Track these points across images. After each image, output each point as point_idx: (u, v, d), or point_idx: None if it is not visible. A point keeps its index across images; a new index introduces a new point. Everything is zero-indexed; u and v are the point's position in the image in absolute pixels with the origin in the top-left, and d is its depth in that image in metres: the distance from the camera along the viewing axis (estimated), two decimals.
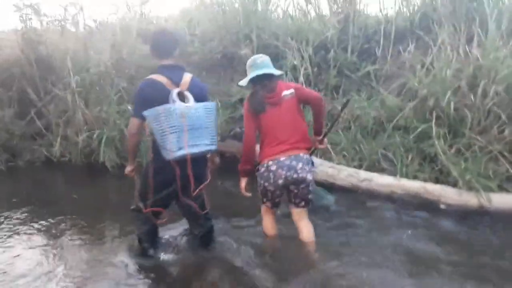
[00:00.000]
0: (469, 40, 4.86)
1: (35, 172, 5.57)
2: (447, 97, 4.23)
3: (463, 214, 3.57)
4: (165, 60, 2.72)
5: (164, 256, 2.99)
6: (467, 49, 4.73)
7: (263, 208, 3.09)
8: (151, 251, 2.98)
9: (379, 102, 5.03)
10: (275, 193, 2.88)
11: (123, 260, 2.99)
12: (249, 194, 2.96)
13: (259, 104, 2.83)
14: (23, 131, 6.01)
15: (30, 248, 3.27)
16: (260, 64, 2.84)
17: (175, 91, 2.58)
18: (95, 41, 6.22)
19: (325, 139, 3.14)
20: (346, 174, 4.33)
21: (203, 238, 3.04)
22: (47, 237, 3.48)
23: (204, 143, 2.63)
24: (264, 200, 2.98)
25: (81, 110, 5.54)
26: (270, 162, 2.81)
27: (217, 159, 3.08)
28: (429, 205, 3.76)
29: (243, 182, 2.97)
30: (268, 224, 3.13)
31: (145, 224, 2.90)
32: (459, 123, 4.16)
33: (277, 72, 2.87)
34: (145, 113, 2.54)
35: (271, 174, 2.80)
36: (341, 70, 5.73)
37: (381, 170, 4.44)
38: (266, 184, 2.85)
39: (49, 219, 3.82)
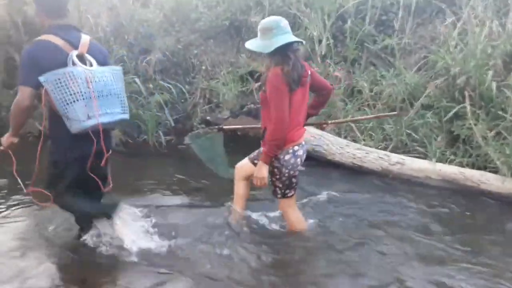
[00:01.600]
0: (505, 14, 4.59)
1: (28, 148, 5.07)
2: (480, 75, 4.00)
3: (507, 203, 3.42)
4: (57, 20, 2.34)
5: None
6: (499, 23, 4.47)
7: (286, 202, 2.74)
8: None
9: (397, 78, 4.75)
10: (297, 177, 2.65)
11: None
12: (268, 185, 2.60)
13: (298, 79, 2.43)
14: (11, 101, 5.42)
15: None
16: (285, 28, 2.45)
17: (74, 53, 2.25)
18: (90, 3, 5.61)
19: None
20: (375, 157, 4.09)
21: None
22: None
23: (117, 111, 2.37)
24: (288, 191, 2.66)
25: None
26: (296, 147, 2.57)
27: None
28: (467, 192, 3.59)
29: (266, 170, 2.53)
30: (297, 215, 2.83)
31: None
32: (499, 104, 3.93)
33: (302, 41, 2.57)
34: (41, 78, 2.17)
35: (298, 160, 2.59)
36: (359, 42, 5.40)
37: (408, 153, 4.25)
38: (292, 172, 2.58)
39: None
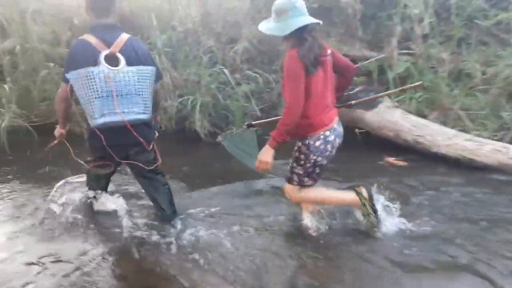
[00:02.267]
0: None
1: None
2: None
3: None
4: (101, 19, 2.48)
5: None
6: None
7: (298, 189, 2.57)
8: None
9: None
10: (324, 166, 2.52)
11: None
12: (271, 171, 2.51)
13: (316, 61, 2.29)
14: None
15: None
16: (301, 9, 2.33)
17: (103, 53, 2.37)
18: None
19: None
20: (490, 149, 3.56)
21: (157, 202, 2.87)
22: None
23: (133, 111, 2.44)
24: (307, 179, 2.52)
25: (169, 72, 5.11)
26: (328, 132, 2.41)
27: (159, 118, 3.10)
28: None
29: (272, 154, 2.40)
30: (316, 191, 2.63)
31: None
32: None
33: (318, 21, 2.37)
34: (67, 75, 2.37)
35: (329, 146, 2.42)
36: (467, 19, 4.76)
37: None
38: (320, 158, 2.43)
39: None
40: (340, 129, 2.52)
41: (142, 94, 2.46)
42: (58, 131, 2.83)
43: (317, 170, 2.49)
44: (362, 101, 3.02)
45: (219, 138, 2.96)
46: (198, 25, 5.31)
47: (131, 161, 2.70)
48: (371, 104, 4.32)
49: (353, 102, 2.82)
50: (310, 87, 2.31)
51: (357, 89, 4.54)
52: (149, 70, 2.49)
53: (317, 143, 2.39)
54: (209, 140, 4.80)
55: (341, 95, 2.74)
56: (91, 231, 2.84)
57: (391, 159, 3.89)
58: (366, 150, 4.22)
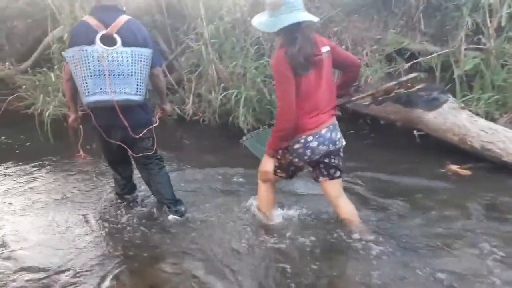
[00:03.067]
0: None
1: (168, 130, 5.19)
2: None
3: None
4: (104, 1, 2.50)
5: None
6: None
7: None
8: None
9: None
10: (301, 168, 2.46)
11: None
12: (273, 180, 2.49)
13: (306, 62, 2.12)
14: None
15: None
16: (296, 3, 2.11)
17: (100, 33, 2.38)
18: None
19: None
20: None
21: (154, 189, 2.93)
22: None
23: (125, 91, 2.42)
24: (280, 171, 2.47)
25: (214, 64, 4.91)
26: (310, 137, 2.25)
27: (167, 107, 2.92)
28: None
29: (271, 164, 2.32)
30: (269, 195, 2.65)
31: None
32: None
33: (315, 18, 2.16)
34: (65, 53, 2.42)
35: (308, 151, 2.29)
36: None
37: None
38: (296, 160, 2.35)
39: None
40: (331, 135, 2.31)
41: (136, 75, 2.44)
42: (70, 118, 2.76)
43: (292, 168, 2.43)
44: (364, 96, 2.75)
45: (243, 139, 2.90)
46: (247, 15, 5.05)
47: (126, 145, 2.68)
48: (434, 104, 3.88)
49: (353, 98, 2.71)
50: (298, 88, 2.15)
51: (417, 86, 4.10)
52: (145, 52, 2.45)
53: (296, 146, 2.28)
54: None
55: (346, 93, 2.59)
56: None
57: (455, 167, 3.45)
58: (426, 154, 3.81)
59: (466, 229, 2.57)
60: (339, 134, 2.39)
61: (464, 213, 2.77)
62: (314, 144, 2.26)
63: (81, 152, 2.96)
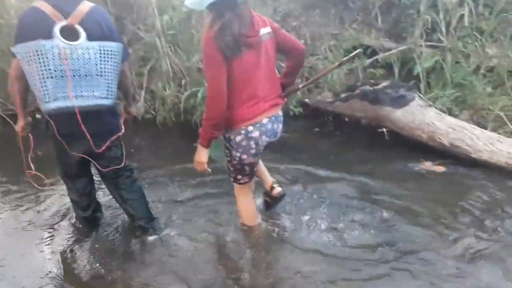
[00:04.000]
0: None
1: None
2: None
3: None
4: None
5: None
6: None
7: (239, 188, 2.44)
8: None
9: None
10: (254, 164, 2.31)
11: None
12: (210, 170, 2.20)
13: (234, 42, 1.90)
14: None
15: None
16: None
17: (59, 24, 1.93)
18: None
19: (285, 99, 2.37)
20: None
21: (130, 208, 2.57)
22: None
23: (94, 95, 2.04)
24: (240, 176, 2.33)
25: (169, 58, 4.52)
26: (251, 128, 2.09)
27: (133, 109, 2.53)
28: None
29: (205, 154, 2.13)
30: (250, 207, 2.55)
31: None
32: None
33: None
34: (13, 49, 1.96)
35: (252, 142, 2.13)
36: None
37: None
38: (245, 156, 2.17)
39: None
40: (273, 126, 2.18)
41: (105, 76, 2.05)
42: (18, 124, 2.27)
43: (247, 168, 2.28)
44: (309, 82, 2.59)
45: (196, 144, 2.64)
46: None
47: (91, 157, 2.27)
48: (401, 102, 3.89)
49: (300, 86, 2.45)
50: (231, 73, 1.95)
51: (383, 84, 4.09)
52: (115, 47, 2.06)
53: (238, 139, 2.12)
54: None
55: (291, 82, 2.36)
56: None
57: (428, 164, 3.49)
58: (396, 152, 3.80)
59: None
60: (280, 126, 2.26)
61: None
62: (256, 134, 2.11)
63: (32, 168, 2.37)
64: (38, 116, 2.29)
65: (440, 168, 3.42)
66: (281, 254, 2.43)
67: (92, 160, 2.29)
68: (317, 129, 4.51)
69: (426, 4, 4.52)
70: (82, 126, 2.00)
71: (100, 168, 2.34)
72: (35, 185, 2.49)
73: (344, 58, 2.26)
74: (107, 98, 2.09)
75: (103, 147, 2.22)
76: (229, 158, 2.24)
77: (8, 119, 4.18)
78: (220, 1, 1.84)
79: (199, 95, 4.21)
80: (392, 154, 3.77)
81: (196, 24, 4.66)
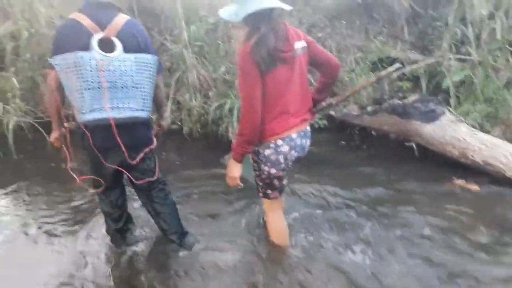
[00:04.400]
0: None
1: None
2: None
3: None
4: None
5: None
6: None
7: (269, 204, 2.39)
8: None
9: None
10: (283, 178, 2.24)
11: None
12: (242, 185, 2.19)
13: (270, 57, 1.89)
14: None
15: None
16: None
17: (96, 36, 1.97)
18: None
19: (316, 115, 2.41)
20: None
21: (163, 223, 2.56)
22: None
23: (129, 107, 2.05)
24: (269, 191, 2.27)
25: (196, 69, 4.54)
26: (280, 142, 2.08)
27: (165, 122, 2.54)
28: None
29: (238, 169, 2.12)
30: (280, 224, 2.50)
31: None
32: None
33: (287, 7, 1.90)
34: (51, 60, 1.98)
35: (281, 156, 2.10)
36: None
37: None
38: (274, 170, 2.14)
39: None
40: (302, 141, 2.17)
41: (141, 88, 2.07)
42: (52, 135, 2.29)
43: (276, 182, 2.22)
44: (344, 97, 2.52)
45: (224, 159, 2.60)
46: None
47: (125, 169, 2.28)
48: (431, 116, 3.85)
49: (333, 101, 2.38)
50: (264, 88, 1.95)
51: (412, 98, 4.06)
52: (150, 59, 2.08)
53: (267, 152, 2.09)
54: None
55: (323, 98, 2.33)
56: None
57: (461, 182, 3.44)
58: (426, 168, 3.76)
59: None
60: (309, 142, 2.24)
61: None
62: (286, 148, 2.08)
63: (76, 177, 2.31)
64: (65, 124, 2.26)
65: (475, 187, 3.37)
66: (313, 273, 2.41)
67: (126, 172, 2.31)
68: (343, 143, 4.49)
69: (455, 17, 4.47)
70: (117, 137, 2.03)
71: (134, 180, 2.35)
72: (89, 189, 2.51)
73: (382, 73, 2.24)
74: (143, 110, 2.10)
75: (137, 159, 2.24)
76: (257, 173, 2.22)
77: (38, 127, 4.20)
78: (256, 13, 1.83)
79: (227, 107, 4.20)
80: (422, 170, 3.73)
81: (222, 35, 4.67)
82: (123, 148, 2.10)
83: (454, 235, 2.72)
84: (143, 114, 2.11)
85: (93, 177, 2.35)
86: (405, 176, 3.64)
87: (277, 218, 2.48)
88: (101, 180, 2.32)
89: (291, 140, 2.09)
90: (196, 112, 4.53)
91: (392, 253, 2.54)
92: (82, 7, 2.07)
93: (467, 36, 4.46)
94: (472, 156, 3.57)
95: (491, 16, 4.41)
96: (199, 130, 4.59)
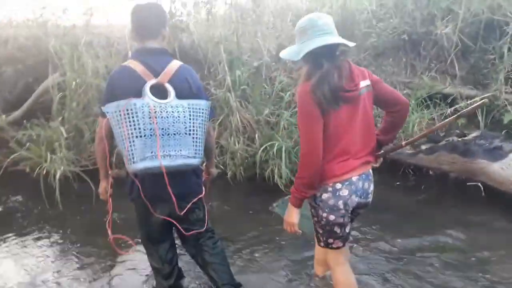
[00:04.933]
0: None
1: None
2: None
3: None
4: (146, 42, 2.03)
5: None
6: None
7: (333, 256, 2.15)
8: None
9: None
10: (345, 224, 2.01)
11: None
12: (300, 232, 2.04)
13: (333, 96, 1.80)
14: None
15: None
16: (325, 27, 1.83)
17: (149, 83, 1.91)
18: (247, 25, 5.08)
19: (381, 158, 2.17)
20: None
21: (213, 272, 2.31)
22: None
23: (182, 154, 1.93)
24: (331, 240, 2.04)
25: (239, 112, 4.46)
26: (339, 185, 1.91)
27: (214, 170, 2.45)
28: None
29: (297, 214, 1.97)
30: (349, 279, 2.16)
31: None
32: None
33: (350, 43, 1.84)
34: (103, 108, 1.91)
35: (340, 202, 1.92)
36: None
37: None
38: (333, 217, 1.95)
39: None
40: (365, 185, 1.99)
41: (194, 134, 1.97)
42: (101, 186, 2.22)
43: (337, 229, 2.00)
44: (414, 139, 2.22)
45: (273, 206, 2.54)
46: (273, 59, 4.69)
47: (174, 219, 2.11)
48: (497, 153, 3.55)
49: (403, 143, 2.13)
50: (325, 128, 1.85)
51: (473, 134, 3.79)
52: (203, 105, 1.99)
53: (325, 196, 1.93)
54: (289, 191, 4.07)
55: (390, 140, 2.15)
56: None
57: None
58: (496, 211, 3.41)
59: None
60: (372, 187, 2.06)
61: None
62: (345, 192, 1.92)
63: (110, 233, 2.06)
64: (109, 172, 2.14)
65: None
66: None
67: (175, 223, 2.14)
68: (398, 183, 4.21)
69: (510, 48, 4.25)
70: (169, 187, 1.88)
71: (184, 232, 2.17)
72: (117, 250, 2.23)
73: (465, 110, 2.02)
74: (195, 157, 1.97)
75: (185, 209, 2.07)
76: (316, 219, 2.04)
77: (84, 176, 4.15)
78: (318, 51, 1.76)
79: (274, 149, 4.05)
80: (491, 213, 3.38)
81: (266, 78, 4.62)
82: (174, 198, 1.95)
83: None
84: (195, 161, 1.98)
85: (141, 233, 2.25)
86: (471, 220, 3.32)
87: (345, 273, 2.19)
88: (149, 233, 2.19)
89: (351, 184, 1.93)
90: (239, 155, 4.39)
91: None
92: (135, 54, 2.05)
93: None
94: None
95: None
96: (242, 173, 4.42)
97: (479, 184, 3.64)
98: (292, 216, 1.97)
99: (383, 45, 4.97)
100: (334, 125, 1.85)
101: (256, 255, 3.01)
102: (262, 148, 4.18)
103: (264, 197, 3.80)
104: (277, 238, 3.22)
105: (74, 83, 4.44)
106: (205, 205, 2.28)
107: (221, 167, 4.63)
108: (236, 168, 4.46)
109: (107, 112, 1.88)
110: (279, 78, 4.63)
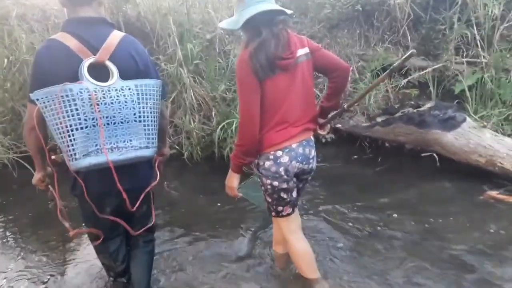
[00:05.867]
0: None
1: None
2: None
3: None
4: (81, 10, 1.69)
5: None
6: None
7: (285, 224, 2.14)
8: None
9: None
10: (290, 190, 2.03)
11: None
12: (240, 195, 2.12)
13: (269, 64, 1.81)
14: None
15: None
16: None
17: (86, 62, 1.60)
18: None
19: (328, 125, 2.22)
20: None
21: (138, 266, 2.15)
22: None
23: (132, 146, 1.66)
24: (280, 208, 2.07)
25: (193, 89, 4.24)
26: (279, 152, 1.95)
27: (167, 150, 2.16)
28: None
29: (236, 179, 2.03)
30: (303, 246, 2.16)
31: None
32: None
33: (287, 10, 1.86)
34: (32, 96, 1.58)
35: (281, 169, 1.95)
36: None
37: None
38: (276, 183, 1.98)
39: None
40: (305, 150, 2.00)
41: (145, 121, 1.70)
42: (35, 176, 1.88)
43: (283, 195, 2.02)
44: (356, 100, 2.21)
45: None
46: (226, 32, 4.47)
47: (122, 217, 1.85)
48: (451, 124, 3.61)
49: (345, 106, 2.13)
50: (262, 97, 1.86)
51: (427, 105, 3.83)
52: (153, 84, 1.71)
53: (267, 164, 1.96)
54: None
55: (334, 106, 2.14)
56: None
57: (494, 193, 3.18)
58: (451, 179, 3.51)
59: None
60: (313, 152, 2.09)
61: None
62: (285, 159, 1.95)
63: (69, 227, 1.80)
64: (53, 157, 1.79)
65: (510, 198, 3.11)
66: None
67: (122, 222, 1.85)
68: (355, 157, 4.22)
69: (463, 19, 4.31)
70: (118, 184, 1.61)
71: (133, 232, 1.90)
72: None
73: (395, 64, 1.97)
74: (147, 147, 1.72)
75: (137, 204, 1.79)
76: (263, 188, 2.05)
77: (24, 163, 3.80)
78: (256, 18, 1.75)
79: (233, 127, 3.90)
80: (447, 182, 3.48)
81: (220, 52, 4.40)
82: (125, 195, 1.67)
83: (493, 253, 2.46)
84: (148, 153, 1.72)
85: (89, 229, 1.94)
86: (427, 190, 3.39)
87: (298, 239, 2.15)
88: (99, 231, 1.86)
89: (291, 151, 1.96)
90: (196, 134, 4.21)
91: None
92: (66, 24, 1.70)
93: (470, 38, 4.30)
94: (501, 163, 3.33)
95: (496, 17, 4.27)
96: (199, 153, 4.25)
97: (434, 154, 3.71)
98: (232, 180, 2.02)
99: (337, 16, 4.89)
100: (272, 94, 1.86)
101: (216, 236, 2.90)
102: (220, 127, 4.01)
103: (224, 176, 3.64)
104: (238, 218, 3.14)
105: (6, 60, 3.98)
106: (152, 195, 2.00)
107: (176, 147, 4.43)
108: (193, 148, 4.28)
109: (37, 100, 1.56)
110: (233, 52, 4.44)
